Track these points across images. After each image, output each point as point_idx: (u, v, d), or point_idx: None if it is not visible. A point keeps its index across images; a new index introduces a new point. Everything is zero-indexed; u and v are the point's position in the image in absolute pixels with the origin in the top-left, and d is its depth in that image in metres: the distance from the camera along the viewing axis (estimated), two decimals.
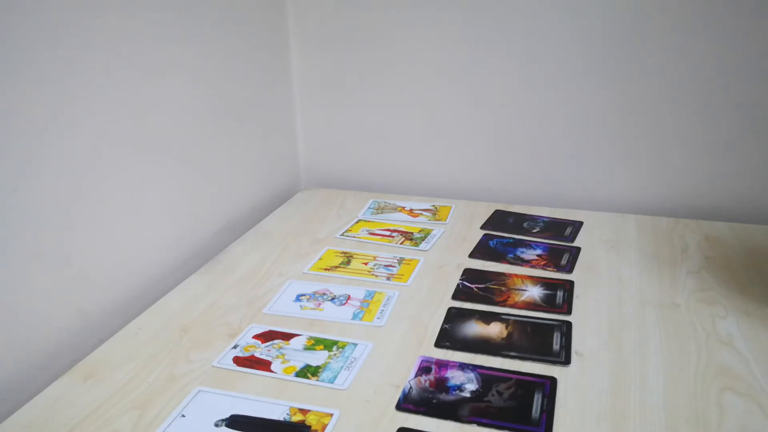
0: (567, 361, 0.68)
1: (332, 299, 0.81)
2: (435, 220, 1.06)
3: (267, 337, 0.74)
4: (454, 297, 0.82)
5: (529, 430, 0.59)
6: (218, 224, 1.01)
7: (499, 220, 1.05)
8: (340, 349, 0.71)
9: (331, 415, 0.61)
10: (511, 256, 0.92)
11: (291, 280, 0.86)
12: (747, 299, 0.80)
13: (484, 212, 1.08)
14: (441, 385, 0.65)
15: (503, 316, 0.77)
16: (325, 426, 0.59)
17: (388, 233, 1.01)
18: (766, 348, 0.70)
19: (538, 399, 0.62)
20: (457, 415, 0.60)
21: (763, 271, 0.87)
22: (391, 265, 0.90)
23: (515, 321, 0.76)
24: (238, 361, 0.69)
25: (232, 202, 1.04)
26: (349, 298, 0.82)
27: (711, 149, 1.04)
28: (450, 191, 1.19)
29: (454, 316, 0.77)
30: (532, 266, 0.89)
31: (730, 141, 1.03)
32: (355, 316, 0.77)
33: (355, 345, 0.72)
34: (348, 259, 0.92)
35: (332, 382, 0.65)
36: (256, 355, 0.70)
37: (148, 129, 0.83)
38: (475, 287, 0.84)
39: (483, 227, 1.02)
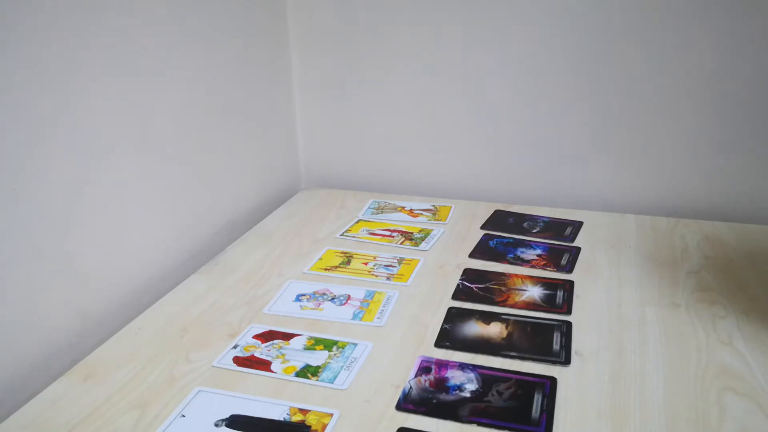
0: (567, 361, 0.68)
1: (332, 299, 0.81)
2: (435, 220, 1.06)
3: (267, 337, 0.74)
4: (454, 297, 0.82)
5: (529, 430, 0.59)
6: (218, 224, 1.01)
7: (499, 220, 1.05)
8: (340, 349, 0.71)
9: (331, 415, 0.61)
10: (511, 256, 0.92)
11: (291, 280, 0.86)
12: (747, 299, 0.80)
13: (484, 212, 1.08)
14: (441, 385, 0.65)
15: (503, 316, 0.77)
16: (325, 426, 0.59)
17: (388, 233, 1.01)
18: (766, 348, 0.70)
19: (538, 399, 0.62)
20: (457, 415, 0.60)
21: (763, 271, 0.87)
22: (391, 265, 0.90)
23: (515, 321, 0.76)
24: (238, 361, 0.69)
25: (232, 202, 1.04)
26: (349, 298, 0.82)
27: (711, 149, 1.04)
28: (450, 191, 1.19)
29: (454, 316, 0.77)
30: (532, 266, 0.89)
31: (729, 141, 1.03)
32: (355, 316, 0.77)
33: (355, 345, 0.72)
34: (348, 259, 0.92)
35: (332, 382, 0.65)
36: (256, 355, 0.70)
37: (148, 129, 0.83)
38: (475, 287, 0.84)
39: (483, 227, 1.02)
